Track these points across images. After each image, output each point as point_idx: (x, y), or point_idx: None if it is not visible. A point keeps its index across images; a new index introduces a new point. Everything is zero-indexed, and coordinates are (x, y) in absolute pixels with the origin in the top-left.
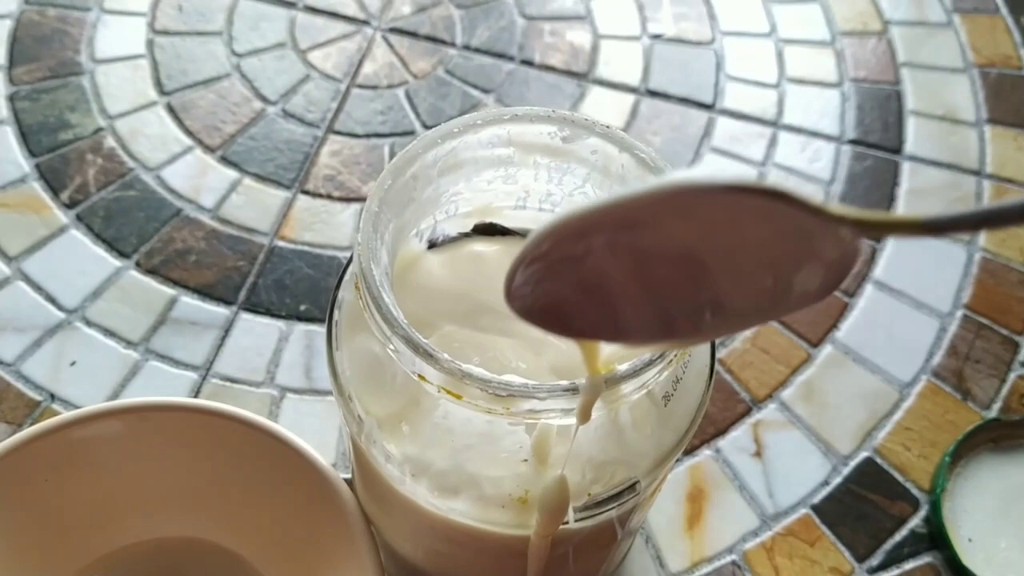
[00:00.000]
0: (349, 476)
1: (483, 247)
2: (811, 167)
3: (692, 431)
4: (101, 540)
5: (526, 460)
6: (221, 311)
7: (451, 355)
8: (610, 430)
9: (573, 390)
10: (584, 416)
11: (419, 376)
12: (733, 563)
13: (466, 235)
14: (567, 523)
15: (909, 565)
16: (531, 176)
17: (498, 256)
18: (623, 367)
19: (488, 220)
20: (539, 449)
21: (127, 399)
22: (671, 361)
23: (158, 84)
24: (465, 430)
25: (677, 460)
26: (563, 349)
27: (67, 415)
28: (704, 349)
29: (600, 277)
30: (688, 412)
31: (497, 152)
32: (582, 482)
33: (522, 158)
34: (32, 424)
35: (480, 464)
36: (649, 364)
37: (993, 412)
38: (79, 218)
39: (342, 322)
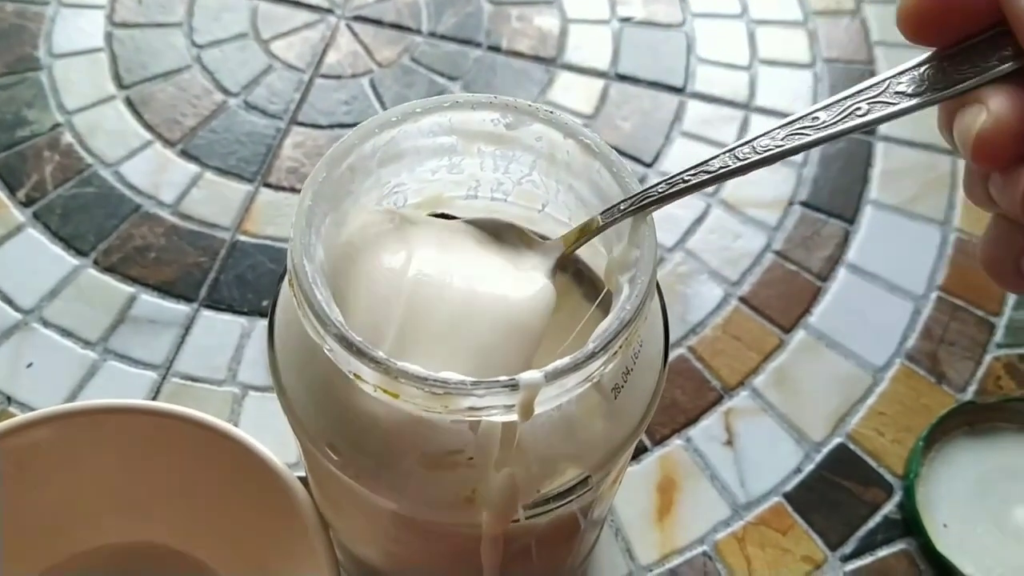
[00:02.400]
0: (305, 475)
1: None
2: None
3: (645, 423)
4: (53, 548)
5: (471, 458)
6: (181, 308)
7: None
8: (557, 425)
9: (512, 386)
10: (526, 413)
11: (355, 375)
12: (704, 554)
13: None
14: (517, 520)
15: (883, 552)
16: (476, 165)
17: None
18: (564, 360)
19: (440, 211)
20: (484, 447)
21: (75, 403)
22: (616, 352)
23: (117, 78)
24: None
25: (647, 450)
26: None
27: (11, 421)
28: (657, 337)
29: None
30: (640, 404)
31: (439, 141)
32: (530, 479)
33: (465, 146)
34: None
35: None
36: (591, 356)
37: (968, 395)
38: (36, 216)
39: (281, 319)
